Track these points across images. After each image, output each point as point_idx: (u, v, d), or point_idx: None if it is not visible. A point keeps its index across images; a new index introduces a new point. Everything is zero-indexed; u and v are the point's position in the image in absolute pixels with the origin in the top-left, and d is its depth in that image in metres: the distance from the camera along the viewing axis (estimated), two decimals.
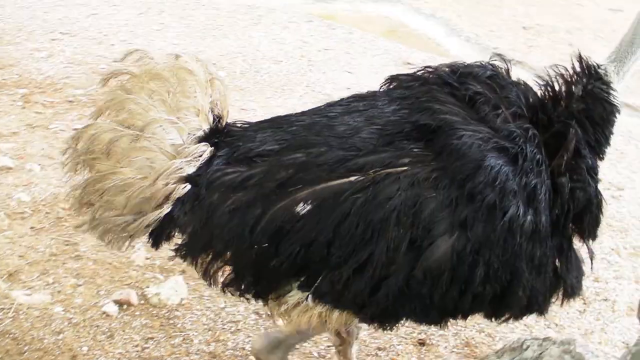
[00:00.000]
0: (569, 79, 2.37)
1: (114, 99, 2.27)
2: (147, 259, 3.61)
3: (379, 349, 3.27)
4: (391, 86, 2.50)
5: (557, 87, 2.38)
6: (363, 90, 5.07)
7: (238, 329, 3.27)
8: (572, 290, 2.28)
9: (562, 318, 3.59)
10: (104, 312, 3.28)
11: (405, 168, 2.09)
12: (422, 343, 3.32)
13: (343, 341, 2.64)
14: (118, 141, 2.16)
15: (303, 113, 2.43)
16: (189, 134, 2.21)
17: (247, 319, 3.32)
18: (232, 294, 2.31)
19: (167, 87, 2.24)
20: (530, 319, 3.38)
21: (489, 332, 3.46)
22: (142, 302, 3.36)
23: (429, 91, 2.34)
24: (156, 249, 2.34)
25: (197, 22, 6.80)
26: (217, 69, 5.71)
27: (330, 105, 2.42)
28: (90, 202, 2.26)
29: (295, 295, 2.22)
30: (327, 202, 2.07)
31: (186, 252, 2.26)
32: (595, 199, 2.27)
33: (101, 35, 6.31)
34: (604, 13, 9.39)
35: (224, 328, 3.27)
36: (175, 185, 2.16)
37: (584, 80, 2.35)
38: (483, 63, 2.46)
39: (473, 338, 3.42)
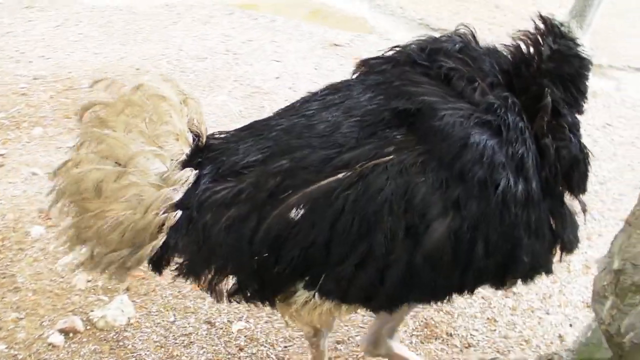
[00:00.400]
0: (535, 40, 2.36)
1: (91, 134, 2.21)
2: (89, 281, 3.50)
3: (338, 342, 3.24)
4: (362, 72, 2.48)
5: (525, 50, 2.37)
6: (292, 77, 5.08)
7: (191, 342, 3.20)
8: (570, 245, 2.33)
9: (519, 286, 3.58)
10: (49, 344, 3.16)
11: (391, 157, 2.08)
12: None
13: (317, 332, 2.64)
14: (104, 180, 2.13)
15: (280, 115, 2.40)
16: (171, 160, 2.18)
17: (199, 330, 3.25)
18: (238, 302, 2.30)
19: (142, 116, 2.20)
20: (488, 291, 3.38)
21: (448, 310, 3.46)
22: (89, 327, 3.24)
23: (402, 74, 2.32)
24: (160, 275, 2.33)
25: (116, 29, 6.61)
26: (141, 73, 5.63)
27: (306, 101, 2.39)
28: (85, 240, 2.23)
29: (302, 294, 2.22)
30: (319, 204, 2.06)
31: (187, 272, 2.24)
32: (580, 154, 2.31)
33: (18, 53, 6.10)
34: None
35: (176, 343, 3.19)
36: (166, 214, 2.13)
37: (550, 39, 2.34)
38: (451, 36, 2.43)
39: (432, 318, 3.42)
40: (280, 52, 6.24)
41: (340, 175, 2.07)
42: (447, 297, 2.31)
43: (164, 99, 2.22)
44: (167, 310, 3.32)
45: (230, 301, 2.29)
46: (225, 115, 5.07)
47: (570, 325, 3.46)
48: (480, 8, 7.81)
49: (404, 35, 7.00)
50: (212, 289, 2.23)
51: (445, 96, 2.21)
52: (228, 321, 3.31)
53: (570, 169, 2.28)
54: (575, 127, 2.32)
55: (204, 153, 2.27)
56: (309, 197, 2.07)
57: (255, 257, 2.11)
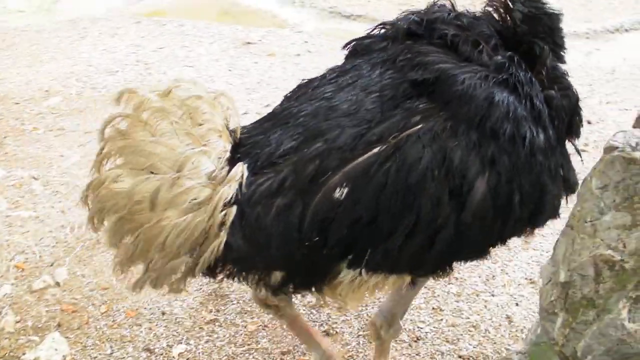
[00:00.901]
0: (505, 6, 2.48)
1: (128, 145, 2.15)
2: (18, 322, 3.38)
3: (283, 353, 3.21)
4: (360, 52, 2.51)
5: (500, 15, 2.50)
6: (207, 81, 5.01)
7: None
8: (574, 186, 2.43)
9: (461, 270, 3.62)
10: None
11: (420, 126, 2.14)
12: (326, 333, 3.28)
13: (277, 309, 2.68)
14: (160, 189, 2.08)
15: (297, 101, 2.38)
16: (219, 158, 2.14)
17: (139, 359, 3.18)
18: (284, 294, 2.38)
19: (184, 118, 2.17)
20: (430, 282, 3.37)
21: None
22: None
23: (407, 47, 2.37)
24: (214, 279, 2.30)
25: (21, 50, 6.41)
26: (50, 95, 5.47)
27: (317, 87, 2.39)
28: (140, 256, 2.19)
29: (347, 273, 2.25)
30: (360, 180, 2.10)
31: (239, 269, 2.24)
32: (577, 100, 2.47)
33: None
34: None
35: None
36: (224, 212, 2.10)
37: (519, 3, 2.46)
38: (440, 5, 2.51)
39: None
40: (192, 56, 6.15)
41: (375, 150, 2.11)
42: (489, 252, 2.43)
43: (200, 98, 2.21)
44: (103, 342, 3.23)
45: (276, 295, 2.35)
46: None
47: (517, 305, 3.47)
48: None
49: (317, 25, 7.03)
50: (258, 284, 2.27)
51: (457, 61, 2.29)
52: (167, 345, 3.23)
53: (571, 116, 2.45)
54: (566, 75, 2.48)
55: (239, 148, 2.25)
56: (349, 175, 2.10)
57: (304, 242, 2.12)
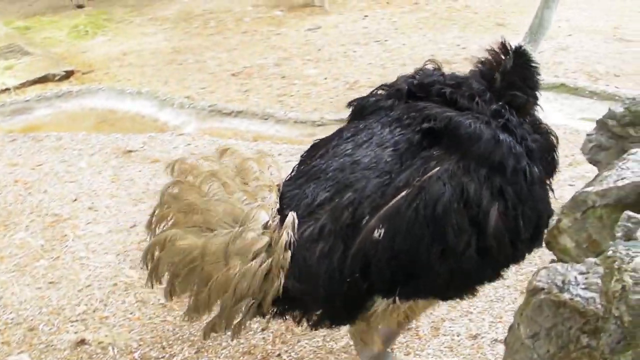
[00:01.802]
0: (498, 61, 2.96)
1: (189, 205, 2.47)
2: None
3: None
4: (363, 109, 2.93)
5: (489, 69, 2.96)
6: (90, 196, 4.96)
7: None
8: (551, 215, 2.57)
9: None
10: None
11: (438, 168, 2.50)
12: None
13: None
14: (229, 242, 2.39)
15: (323, 160, 2.71)
16: (272, 209, 2.49)
17: None
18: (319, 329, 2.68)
19: (236, 177, 2.54)
20: None
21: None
22: None
23: (413, 106, 2.77)
24: (263, 318, 2.60)
25: None
26: None
27: (337, 145, 2.75)
28: (213, 303, 2.47)
29: (381, 303, 2.57)
30: (394, 219, 2.44)
31: (286, 309, 2.55)
32: (555, 143, 2.89)
33: None
34: (304, 34, 9.94)
35: None
36: (282, 257, 2.41)
37: (509, 58, 2.94)
38: (432, 69, 2.98)
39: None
40: (73, 171, 6.08)
41: (403, 193, 2.46)
42: (502, 274, 2.77)
43: (250, 159, 2.61)
44: None
45: (315, 329, 2.65)
46: (26, 254, 4.82)
47: None
48: (269, 80, 8.07)
49: (198, 125, 7.12)
50: (302, 320, 2.57)
51: (459, 112, 2.68)
52: None
53: (551, 157, 2.87)
54: (543, 122, 2.93)
55: (281, 200, 2.60)
56: (384, 217, 2.43)
57: (347, 279, 2.43)
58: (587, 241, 2.00)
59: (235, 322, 2.49)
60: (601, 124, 2.21)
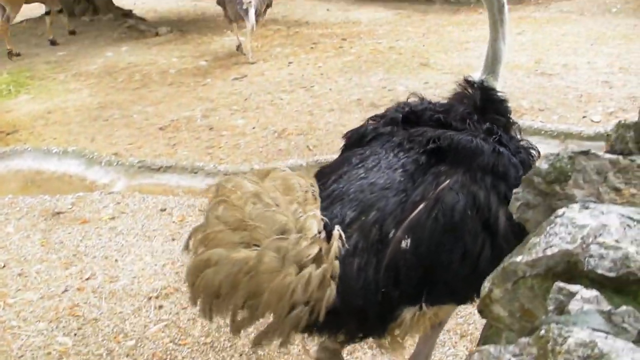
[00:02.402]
0: (467, 95, 3.27)
1: (242, 220, 2.50)
2: None
3: None
4: (362, 137, 3.17)
5: (464, 98, 3.28)
6: (20, 263, 4.93)
7: None
8: None
9: None
10: None
11: (448, 181, 2.76)
12: None
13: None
14: (288, 249, 2.45)
15: (341, 184, 2.88)
16: (321, 220, 2.58)
17: None
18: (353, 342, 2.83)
19: (285, 194, 2.61)
20: None
21: None
22: None
23: (411, 132, 3.03)
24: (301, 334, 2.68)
25: None
26: None
27: (348, 171, 2.94)
28: (266, 311, 2.51)
29: (409, 311, 2.71)
30: (417, 230, 2.65)
31: (327, 321, 2.56)
32: (537, 157, 3.16)
33: None
34: (230, 84, 10.06)
35: None
36: (333, 266, 2.51)
37: (478, 92, 3.26)
38: (420, 100, 3.31)
39: None
40: (1, 236, 6.00)
41: (422, 206, 2.69)
42: None
43: (292, 177, 2.69)
44: None
45: (348, 343, 2.83)
46: None
47: None
48: (196, 132, 8.13)
49: (127, 183, 7.10)
50: (337, 334, 2.71)
51: (457, 132, 2.97)
52: None
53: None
54: (521, 138, 3.25)
55: None
56: (408, 229, 2.64)
57: (380, 290, 2.59)
58: (520, 310, 2.00)
59: (287, 330, 2.53)
60: (527, 182, 2.25)
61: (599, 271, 1.80)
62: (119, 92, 10.24)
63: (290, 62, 11.14)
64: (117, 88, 10.45)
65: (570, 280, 1.84)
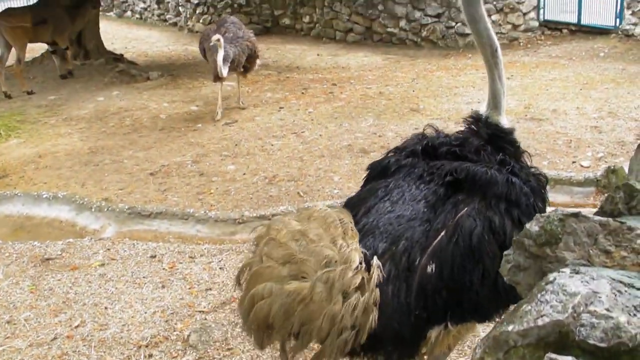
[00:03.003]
0: (475, 131, 3.53)
1: (291, 254, 2.72)
2: None
3: None
4: (386, 169, 3.41)
5: (472, 131, 3.54)
6: (8, 309, 4.91)
7: None
8: None
9: None
10: None
11: (466, 209, 3.00)
12: None
13: None
14: (335, 281, 2.66)
15: (371, 218, 3.14)
16: (361, 253, 2.78)
17: None
18: None
19: (328, 231, 2.81)
20: None
21: None
22: None
23: (431, 166, 3.29)
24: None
25: None
26: None
27: (375, 204, 3.21)
28: (317, 337, 2.70)
29: (435, 330, 2.93)
30: (440, 254, 2.89)
31: (365, 350, 2.84)
32: (545, 183, 3.44)
33: None
34: (221, 129, 10.15)
35: None
36: (375, 293, 2.73)
37: (484, 127, 3.52)
38: (436, 132, 3.55)
39: None
40: None
41: (442, 233, 2.94)
42: None
43: (332, 214, 2.87)
44: None
45: None
46: None
47: None
48: (186, 178, 8.18)
49: (117, 229, 7.13)
50: (373, 357, 2.89)
51: (472, 164, 3.22)
52: None
53: (544, 192, 3.41)
54: (531, 165, 3.50)
55: None
56: (432, 255, 2.88)
57: (413, 313, 2.82)
58: None
59: (335, 353, 2.72)
60: (518, 244, 2.28)
61: (591, 341, 1.81)
62: (109, 136, 10.33)
63: (281, 107, 11.26)
64: (108, 133, 10.54)
65: (562, 350, 1.86)
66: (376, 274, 2.78)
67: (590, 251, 2.19)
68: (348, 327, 2.70)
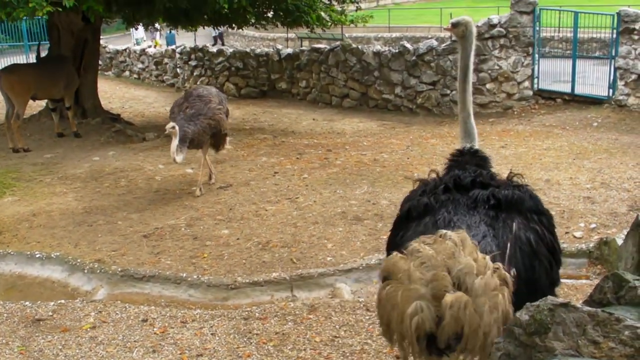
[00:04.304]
0: (459, 161, 4.48)
1: (440, 275, 3.07)
2: None
3: None
4: (429, 212, 3.86)
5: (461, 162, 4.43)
6: None
7: None
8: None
9: None
10: None
11: (514, 224, 3.66)
12: None
13: None
14: (485, 287, 3.03)
15: (435, 227, 3.67)
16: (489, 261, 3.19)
17: None
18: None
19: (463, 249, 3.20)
20: None
21: None
22: None
23: (471, 195, 3.86)
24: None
25: None
26: None
27: (438, 220, 3.75)
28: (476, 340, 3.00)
29: None
30: (514, 261, 3.48)
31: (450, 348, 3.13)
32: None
33: None
34: (216, 193, 10.30)
35: None
36: (510, 293, 3.14)
37: (467, 156, 4.53)
38: (446, 171, 4.36)
39: None
40: None
41: (509, 244, 3.53)
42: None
43: (456, 236, 3.23)
44: None
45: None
46: None
47: None
48: (180, 241, 8.25)
49: (109, 291, 7.21)
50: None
51: (497, 187, 3.92)
52: None
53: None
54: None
55: None
56: (508, 262, 3.40)
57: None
58: None
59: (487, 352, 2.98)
60: (508, 332, 2.36)
61: None
62: (104, 197, 10.43)
63: (275, 172, 11.40)
64: (102, 193, 10.65)
65: None
66: (508, 275, 3.17)
67: (579, 341, 2.26)
68: (500, 323, 3.02)
